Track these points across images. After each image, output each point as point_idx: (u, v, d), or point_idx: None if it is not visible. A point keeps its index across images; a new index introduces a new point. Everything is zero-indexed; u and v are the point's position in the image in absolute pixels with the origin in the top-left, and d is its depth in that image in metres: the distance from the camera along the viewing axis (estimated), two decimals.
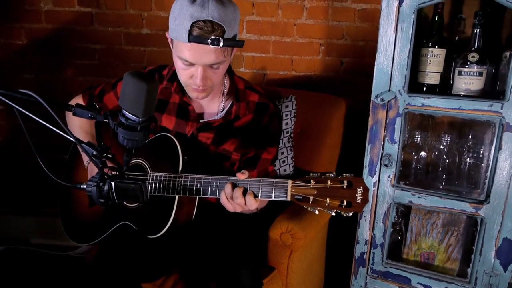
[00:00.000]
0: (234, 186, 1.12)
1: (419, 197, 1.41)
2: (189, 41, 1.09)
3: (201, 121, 1.33)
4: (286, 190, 1.05)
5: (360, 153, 1.48)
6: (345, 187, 1.00)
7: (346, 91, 2.02)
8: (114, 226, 1.30)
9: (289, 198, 1.04)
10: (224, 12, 1.09)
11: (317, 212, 1.01)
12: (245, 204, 1.10)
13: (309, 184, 1.02)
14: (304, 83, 2.11)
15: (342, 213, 0.99)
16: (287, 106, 1.70)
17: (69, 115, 1.45)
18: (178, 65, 1.19)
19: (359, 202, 0.99)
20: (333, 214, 1.00)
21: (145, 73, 0.94)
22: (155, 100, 0.98)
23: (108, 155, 1.03)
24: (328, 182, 1.00)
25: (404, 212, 1.59)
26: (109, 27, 2.13)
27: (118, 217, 1.29)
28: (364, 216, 1.51)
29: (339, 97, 1.78)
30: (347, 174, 1.01)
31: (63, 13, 2.12)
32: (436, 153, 1.49)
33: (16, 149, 2.30)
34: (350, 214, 1.00)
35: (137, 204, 1.27)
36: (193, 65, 1.15)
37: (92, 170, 1.31)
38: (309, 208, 1.01)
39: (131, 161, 1.31)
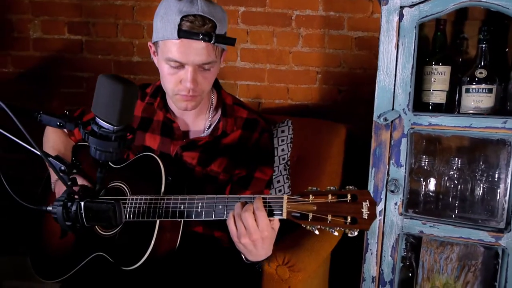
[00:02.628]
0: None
1: (430, 226, 1.27)
2: (179, 36, 1.02)
3: (185, 139, 1.21)
4: (281, 206, 0.91)
5: (363, 181, 1.35)
6: (348, 201, 0.86)
7: (345, 119, 1.93)
8: (86, 258, 1.14)
9: (284, 216, 0.90)
10: (214, 8, 1.04)
11: (317, 231, 0.87)
12: (258, 226, 0.91)
13: (307, 199, 0.88)
14: (301, 112, 2.02)
15: (347, 231, 0.85)
16: (283, 131, 1.60)
17: (46, 135, 1.34)
18: (165, 71, 1.10)
19: (366, 218, 0.84)
20: (336, 233, 0.86)
21: (121, 76, 0.84)
22: (132, 106, 0.87)
23: (76, 171, 0.90)
24: (329, 196, 0.87)
25: (414, 244, 1.44)
26: (99, 55, 2.07)
27: (92, 248, 1.14)
28: (370, 250, 1.35)
29: (338, 123, 1.68)
30: (350, 187, 0.88)
31: (52, 40, 2.07)
32: (446, 178, 1.37)
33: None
34: (356, 232, 0.85)
35: (113, 232, 1.12)
36: (182, 67, 1.07)
37: (60, 190, 1.17)
38: (308, 227, 0.87)
39: (109, 185, 1.18)
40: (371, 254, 1.35)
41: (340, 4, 1.94)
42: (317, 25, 1.97)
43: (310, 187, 0.90)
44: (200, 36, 1.01)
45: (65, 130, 1.28)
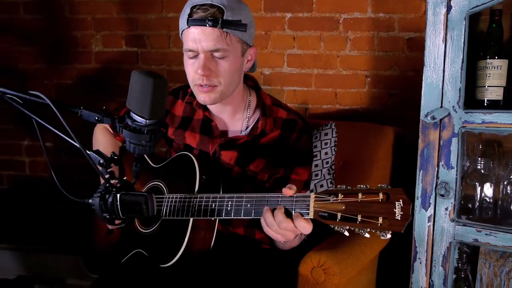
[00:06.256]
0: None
1: (486, 234, 1.15)
2: (188, 25, 1.07)
3: (223, 138, 1.22)
4: (308, 205, 0.87)
5: (413, 186, 1.27)
6: (380, 200, 0.80)
7: (396, 124, 1.84)
8: (127, 255, 1.18)
9: (311, 216, 0.86)
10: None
11: (346, 233, 0.81)
12: (296, 227, 0.90)
13: (336, 198, 0.83)
14: (349, 117, 1.96)
15: (378, 233, 0.79)
16: (326, 134, 1.56)
17: (94, 137, 1.42)
18: (186, 64, 1.14)
19: (399, 218, 0.78)
20: (367, 235, 0.80)
21: (153, 71, 0.87)
22: (163, 100, 0.90)
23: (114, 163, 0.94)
24: (360, 195, 0.81)
25: (471, 256, 1.31)
26: (153, 65, 2.18)
27: (133, 245, 1.18)
28: (419, 259, 1.26)
29: (385, 126, 1.60)
30: (383, 185, 0.82)
31: (111, 53, 2.21)
32: (506, 182, 1.24)
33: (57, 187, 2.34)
34: (389, 235, 0.79)
35: (151, 229, 1.15)
36: (197, 56, 1.10)
37: None
38: (336, 228, 0.82)
39: (149, 184, 1.22)
40: (420, 263, 1.25)
41: (390, 5, 1.88)
42: (366, 27, 1.92)
43: (339, 186, 0.86)
44: (206, 21, 1.04)
45: (110, 129, 1.37)
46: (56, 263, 2.30)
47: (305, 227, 0.88)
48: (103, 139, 1.40)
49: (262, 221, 0.94)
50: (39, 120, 0.95)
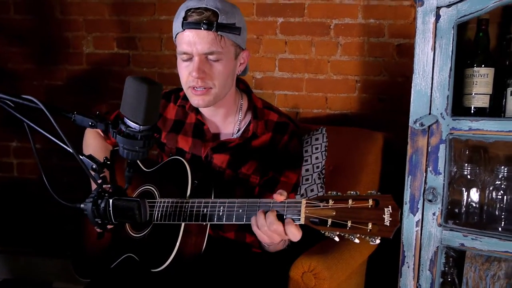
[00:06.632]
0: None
1: (472, 238, 1.18)
2: (183, 28, 1.08)
3: (215, 141, 1.23)
4: (299, 211, 0.89)
5: (402, 191, 1.29)
6: (370, 206, 0.82)
7: (385, 129, 1.86)
8: (118, 259, 1.18)
9: (302, 221, 0.88)
10: (221, 3, 1.09)
11: (336, 238, 0.83)
12: (286, 233, 0.92)
13: (327, 204, 0.85)
14: (339, 121, 1.98)
15: (368, 238, 0.81)
16: (317, 139, 1.57)
17: (85, 140, 1.42)
18: (180, 66, 1.15)
19: (388, 224, 0.80)
20: (356, 240, 0.82)
21: (147, 77, 0.88)
22: (157, 106, 0.91)
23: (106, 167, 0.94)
24: (350, 201, 0.83)
25: (457, 260, 1.34)
26: (144, 68, 2.18)
27: (124, 249, 1.18)
28: (407, 263, 1.28)
29: (375, 131, 1.62)
30: (372, 192, 0.84)
31: (103, 55, 2.20)
32: (491, 188, 1.27)
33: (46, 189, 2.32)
34: (378, 241, 0.81)
35: (142, 233, 1.15)
36: (191, 59, 1.11)
37: None
38: (326, 233, 0.84)
39: (141, 188, 1.23)
40: (408, 267, 1.28)
41: (380, 11, 1.91)
42: (356, 33, 1.94)
43: (330, 192, 0.87)
44: (201, 25, 1.06)
45: (101, 133, 1.37)
46: (43, 266, 2.27)
47: (295, 234, 0.89)
48: (94, 143, 1.39)
49: (253, 221, 0.96)
50: (31, 124, 0.95)
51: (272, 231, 0.92)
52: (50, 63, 2.26)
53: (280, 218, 0.92)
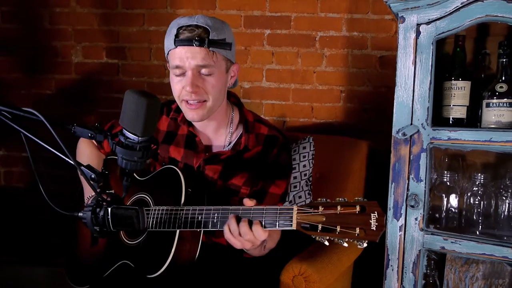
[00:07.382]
0: (238, 220, 1.02)
1: (452, 242, 1.25)
2: (176, 45, 1.12)
3: (207, 153, 1.27)
4: (291, 217, 0.94)
5: (386, 197, 1.36)
6: (357, 212, 0.88)
7: (369, 137, 1.94)
8: (113, 266, 1.20)
9: (294, 227, 0.93)
10: (211, 20, 1.14)
11: (326, 242, 0.89)
12: (254, 237, 0.99)
13: (317, 210, 0.91)
14: (325, 130, 2.04)
15: (356, 242, 0.87)
16: (304, 148, 1.63)
17: (78, 149, 1.44)
18: (173, 81, 1.19)
19: (374, 229, 0.86)
20: (345, 244, 0.87)
21: (146, 91, 0.92)
22: (155, 119, 0.95)
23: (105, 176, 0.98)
24: (338, 207, 0.89)
25: (438, 262, 1.41)
26: (134, 77, 2.21)
27: (118, 256, 1.20)
28: (391, 266, 1.34)
29: (359, 139, 1.69)
30: (359, 198, 0.90)
31: (92, 64, 2.22)
32: (469, 194, 1.35)
33: (34, 197, 2.31)
34: (365, 244, 0.87)
35: (137, 241, 1.18)
36: (184, 73, 1.15)
37: None
38: (317, 238, 0.89)
39: (135, 196, 1.26)
40: (392, 270, 1.34)
41: (363, 24, 1.99)
42: (341, 45, 2.02)
43: (320, 198, 0.93)
44: (194, 42, 1.11)
45: (95, 143, 1.39)
46: (30, 275, 2.25)
47: (260, 234, 0.97)
48: (87, 151, 1.42)
49: (226, 228, 1.02)
50: (28, 135, 0.98)
51: (242, 235, 0.99)
52: (38, 72, 2.26)
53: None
